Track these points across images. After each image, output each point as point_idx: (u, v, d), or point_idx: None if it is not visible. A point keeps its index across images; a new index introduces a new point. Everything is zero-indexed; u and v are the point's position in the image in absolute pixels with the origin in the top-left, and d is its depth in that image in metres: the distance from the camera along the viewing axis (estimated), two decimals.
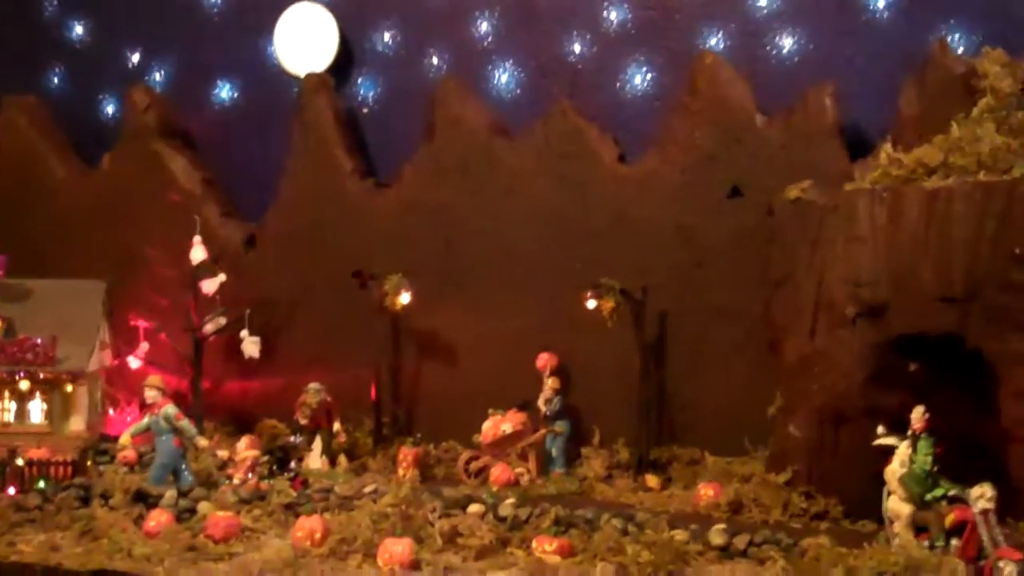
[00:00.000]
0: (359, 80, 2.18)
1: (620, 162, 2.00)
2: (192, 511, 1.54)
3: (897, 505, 1.38)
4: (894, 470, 1.40)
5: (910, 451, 1.37)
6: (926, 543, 1.39)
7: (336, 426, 1.96)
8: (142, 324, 2.11)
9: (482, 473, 1.84)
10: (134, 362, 2.09)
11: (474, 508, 1.52)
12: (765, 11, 1.96)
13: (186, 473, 1.63)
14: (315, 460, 1.91)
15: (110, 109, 2.36)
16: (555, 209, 1.98)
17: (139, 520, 1.52)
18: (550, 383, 1.90)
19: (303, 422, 1.96)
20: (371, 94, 2.18)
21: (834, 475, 1.61)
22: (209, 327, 2.05)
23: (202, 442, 1.71)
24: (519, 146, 2.03)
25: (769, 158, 1.87)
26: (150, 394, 1.67)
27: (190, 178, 2.22)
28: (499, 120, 2.09)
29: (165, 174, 2.21)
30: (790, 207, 1.69)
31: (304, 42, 2.12)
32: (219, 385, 2.09)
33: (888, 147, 1.74)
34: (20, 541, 1.48)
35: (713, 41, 1.99)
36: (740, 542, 1.36)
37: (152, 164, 2.24)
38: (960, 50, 1.90)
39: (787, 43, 1.96)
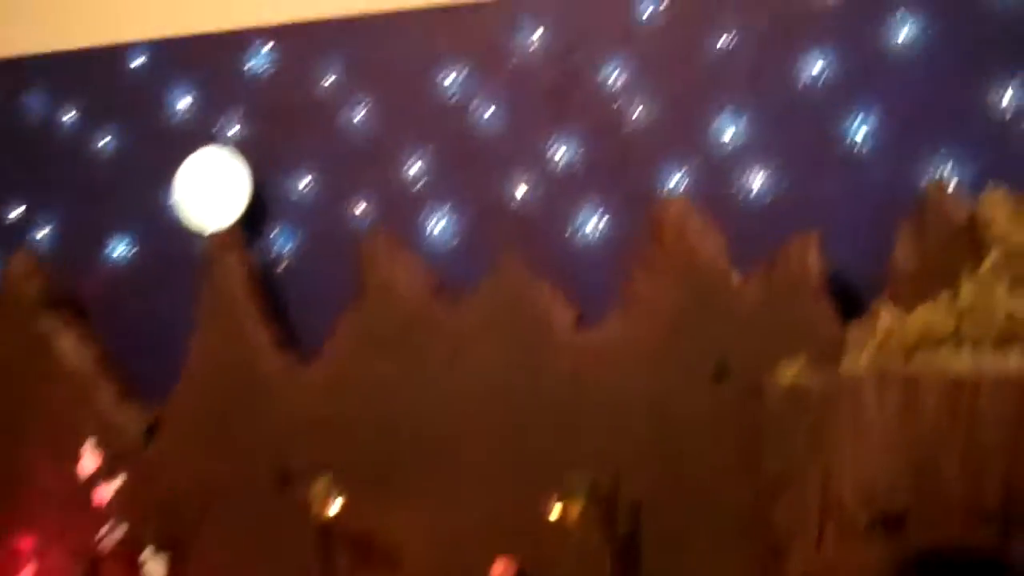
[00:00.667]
0: (274, 233, 2.05)
1: (578, 325, 1.85)
2: None
3: None
4: None
5: None
6: None
7: None
8: (26, 544, 1.93)
9: None
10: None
11: None
12: (730, 147, 1.82)
13: None
14: None
15: None
16: (506, 383, 1.78)
17: None
18: None
19: None
20: (288, 248, 2.07)
21: None
22: (106, 543, 1.84)
23: None
24: (461, 309, 1.85)
25: (749, 322, 1.70)
26: None
27: (81, 357, 2.03)
28: (436, 279, 1.92)
29: (51, 355, 2.02)
30: (784, 394, 1.51)
31: (208, 193, 2.01)
32: None
33: (886, 311, 1.57)
34: None
35: (674, 182, 1.85)
36: None
37: (36, 344, 2.02)
38: (953, 185, 1.79)
39: (758, 181, 1.82)
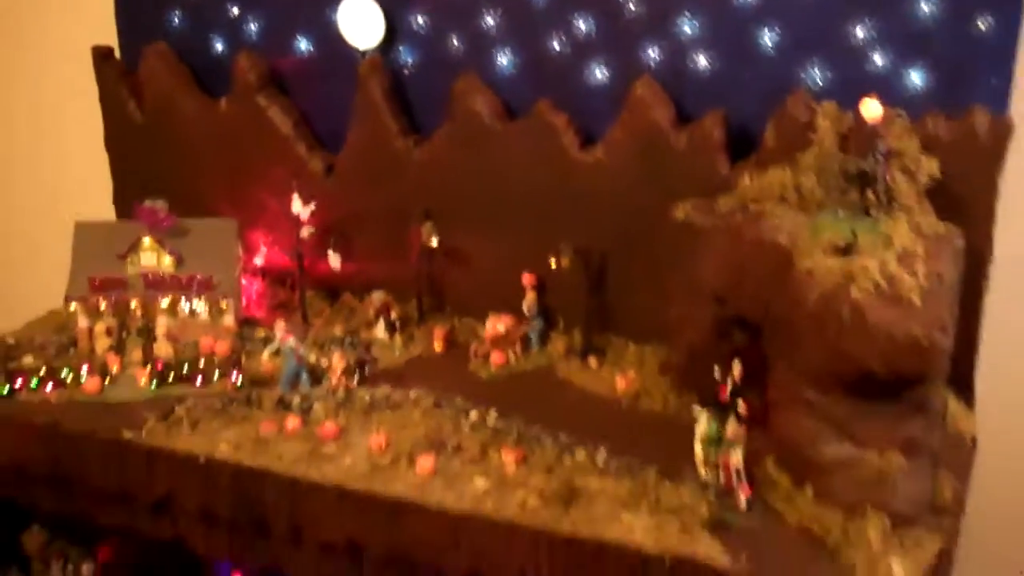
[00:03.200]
0: (401, 50, 2.73)
1: (581, 146, 2.57)
2: (310, 410, 2.35)
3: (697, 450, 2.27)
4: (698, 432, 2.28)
5: (707, 424, 2.06)
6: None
7: (393, 313, 2.79)
8: (260, 237, 2.85)
9: (486, 356, 2.64)
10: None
11: (473, 416, 2.32)
12: (686, 39, 2.46)
13: (305, 379, 2.45)
14: (380, 332, 2.72)
15: (219, 47, 2.90)
16: (534, 177, 2.61)
17: (281, 419, 2.32)
18: (531, 295, 2.65)
19: (371, 312, 2.96)
20: (409, 62, 2.73)
21: (694, 387, 2.50)
22: (305, 243, 2.76)
23: (311, 357, 2.63)
24: (511, 126, 2.62)
25: (679, 166, 2.46)
26: (279, 332, 2.68)
27: (284, 121, 2.81)
28: (499, 102, 2.64)
29: (265, 119, 2.81)
30: (679, 223, 2.30)
31: (357, 24, 2.68)
32: (313, 269, 2.84)
33: (748, 172, 2.29)
34: (216, 436, 2.28)
35: (651, 56, 2.49)
36: (600, 460, 2.16)
37: (256, 111, 2.82)
38: (809, 91, 2.36)
39: (701, 64, 2.47)
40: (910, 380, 1.87)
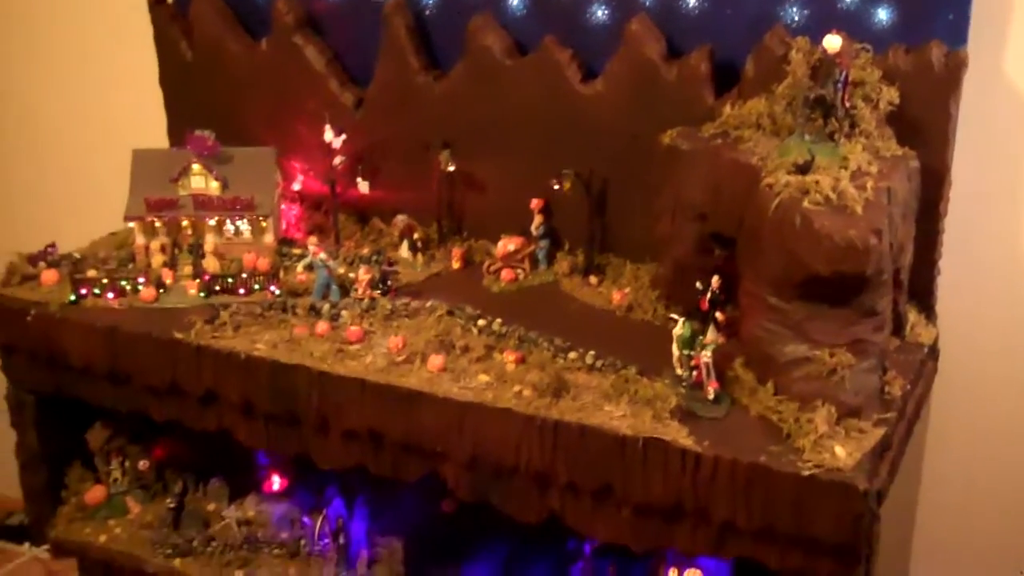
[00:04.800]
0: None
1: (582, 80, 2.74)
2: (338, 316, 2.60)
3: (674, 350, 2.57)
4: (675, 334, 2.38)
5: (682, 327, 2.30)
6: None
7: (416, 234, 3.01)
8: (297, 165, 3.10)
9: (497, 272, 2.88)
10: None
11: (481, 323, 2.57)
12: None
13: (335, 289, 2.67)
14: (404, 252, 2.95)
15: None
16: (540, 108, 2.80)
17: (313, 324, 2.60)
18: (538, 217, 2.85)
19: (396, 233, 3.28)
20: (430, 2, 2.93)
21: (679, 299, 2.62)
22: (338, 170, 2.99)
23: (339, 270, 2.79)
24: (521, 62, 2.80)
25: (668, 96, 2.63)
26: (311, 247, 2.74)
27: (318, 60, 3.02)
28: (509, 39, 2.82)
29: (302, 57, 3.03)
30: (664, 148, 2.49)
31: None
32: (345, 194, 3.08)
33: (730, 102, 2.48)
34: (256, 338, 2.57)
35: None
36: (589, 359, 2.44)
37: (293, 50, 3.04)
38: (785, 27, 2.51)
39: (691, 4, 2.62)
40: (850, 280, 2.14)
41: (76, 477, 3.08)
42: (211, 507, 3.01)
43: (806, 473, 2.10)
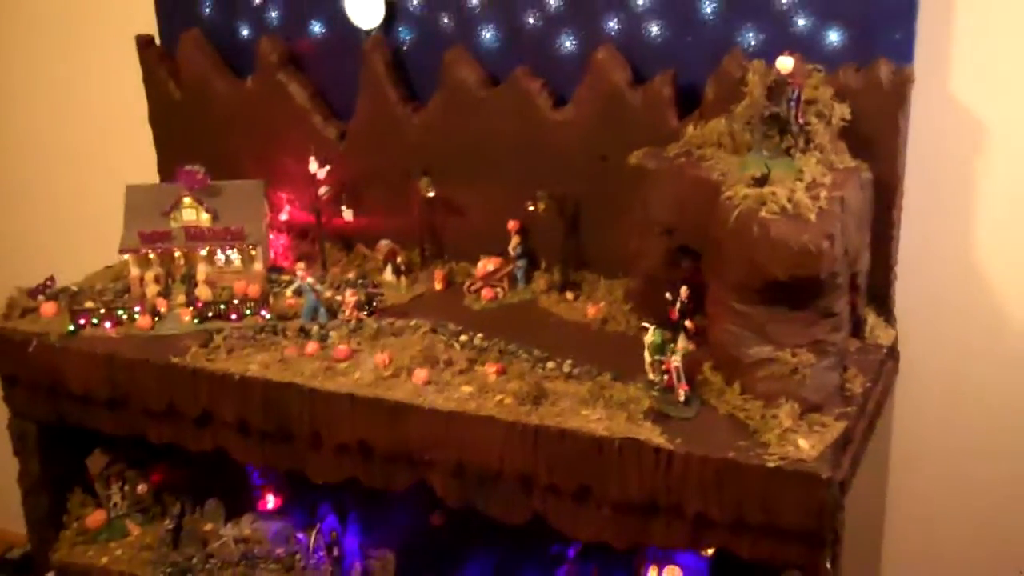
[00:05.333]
0: (400, 29, 3.07)
1: (553, 106, 2.87)
2: (326, 337, 2.71)
3: (646, 356, 2.71)
4: (646, 341, 2.71)
5: (653, 335, 2.42)
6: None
7: (399, 258, 3.36)
8: (284, 195, 3.24)
9: (478, 291, 2.98)
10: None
11: (463, 339, 2.70)
12: (640, 9, 2.74)
13: (322, 312, 2.78)
14: (388, 275, 3.05)
15: (245, 32, 3.26)
16: (513, 134, 2.95)
17: (303, 345, 2.71)
18: (515, 238, 2.98)
19: (380, 258, 3.43)
20: (408, 39, 3.07)
21: (651, 311, 2.79)
22: (323, 199, 3.13)
23: (327, 293, 2.99)
24: (494, 92, 2.95)
25: (634, 120, 2.77)
26: (299, 272, 2.86)
27: (302, 95, 3.16)
28: (482, 71, 2.96)
29: (286, 94, 3.17)
30: (632, 167, 2.63)
31: (362, 8, 3.05)
32: (330, 223, 3.21)
33: (693, 124, 2.61)
34: (249, 360, 2.69)
35: (609, 26, 2.78)
36: (566, 367, 2.57)
37: (277, 87, 3.17)
38: (744, 51, 2.65)
39: (653, 31, 2.76)
40: (806, 283, 2.30)
41: (77, 502, 3.20)
42: (208, 527, 3.12)
43: (772, 465, 2.24)
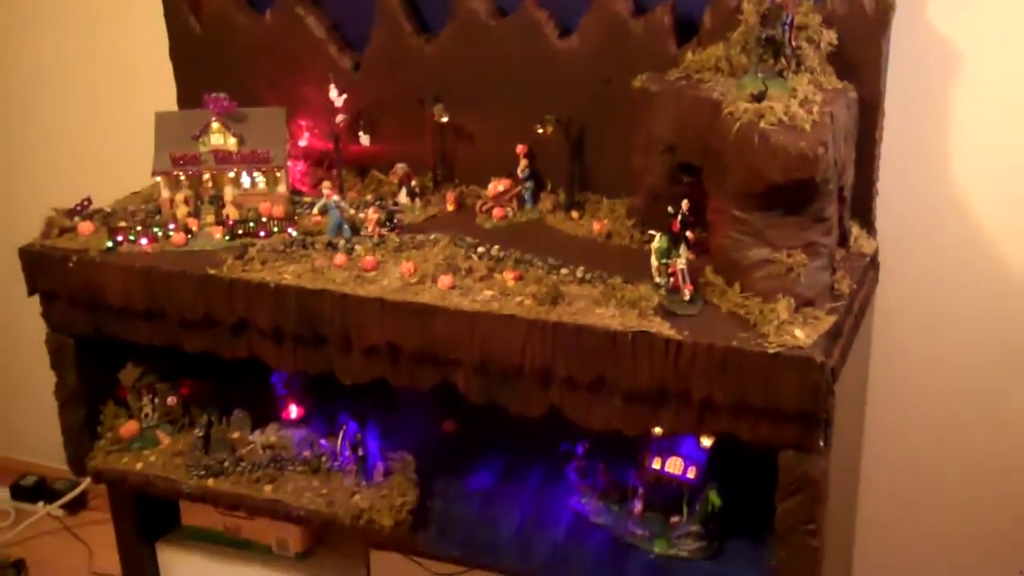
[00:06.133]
0: None
1: (559, 36, 3.00)
2: (352, 250, 2.84)
3: (652, 261, 2.96)
4: (653, 247, 2.97)
5: (659, 241, 2.59)
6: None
7: (413, 181, 3.50)
8: (302, 123, 3.38)
9: (489, 211, 3.17)
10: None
11: (481, 250, 2.83)
12: None
13: (347, 228, 2.92)
14: (403, 198, 3.21)
15: None
16: (522, 62, 3.07)
17: (331, 257, 2.86)
18: (523, 161, 3.12)
19: (395, 181, 3.65)
20: None
21: (653, 225, 2.84)
22: (341, 125, 3.27)
23: (349, 212, 3.14)
24: (504, 23, 3.08)
25: (637, 47, 2.90)
26: (325, 191, 3.06)
27: (319, 28, 3.30)
28: (494, 4, 3.08)
29: (304, 26, 3.31)
30: (635, 90, 2.76)
31: None
32: (346, 150, 3.37)
33: (691, 50, 2.74)
34: (282, 270, 2.83)
35: None
36: (579, 273, 2.75)
37: (295, 20, 3.31)
38: None
39: None
40: (802, 186, 2.55)
41: (111, 414, 3.39)
42: (236, 435, 3.33)
43: (772, 351, 2.49)
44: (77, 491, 4.02)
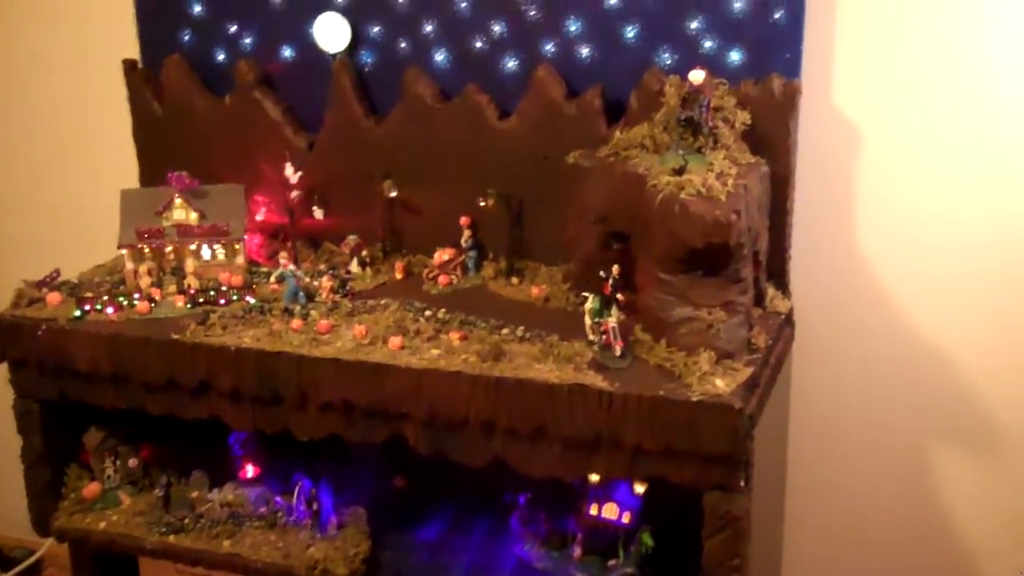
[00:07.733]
0: (363, 52, 3.36)
1: (499, 119, 3.17)
2: (308, 315, 3.00)
3: (586, 320, 3.21)
4: (586, 308, 3.19)
5: (592, 301, 2.72)
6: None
7: (364, 252, 3.78)
8: (259, 198, 3.53)
9: (435, 278, 3.30)
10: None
11: (428, 313, 2.98)
12: (572, 36, 3.05)
13: (302, 295, 3.06)
14: (354, 267, 3.33)
15: (222, 56, 3.57)
16: (463, 143, 3.26)
17: (288, 322, 3.00)
18: (467, 232, 3.29)
19: (347, 251, 3.87)
20: (370, 61, 3.37)
21: (587, 289, 3.41)
22: (295, 201, 3.42)
23: (305, 280, 3.54)
24: (447, 106, 3.26)
25: (570, 127, 3.08)
26: (282, 261, 3.51)
27: (275, 111, 3.47)
28: (437, 88, 3.28)
29: (261, 109, 3.47)
30: (569, 166, 2.94)
31: (329, 34, 3.35)
32: (300, 224, 3.53)
33: (619, 130, 2.90)
34: (241, 335, 2.97)
35: (547, 49, 3.10)
36: (519, 332, 2.90)
37: (253, 104, 3.48)
38: (666, 67, 2.98)
39: (583, 53, 3.09)
40: (719, 249, 2.82)
41: (74, 475, 3.53)
42: (195, 494, 3.47)
43: (695, 399, 2.72)
44: (33, 559, 4.07)
